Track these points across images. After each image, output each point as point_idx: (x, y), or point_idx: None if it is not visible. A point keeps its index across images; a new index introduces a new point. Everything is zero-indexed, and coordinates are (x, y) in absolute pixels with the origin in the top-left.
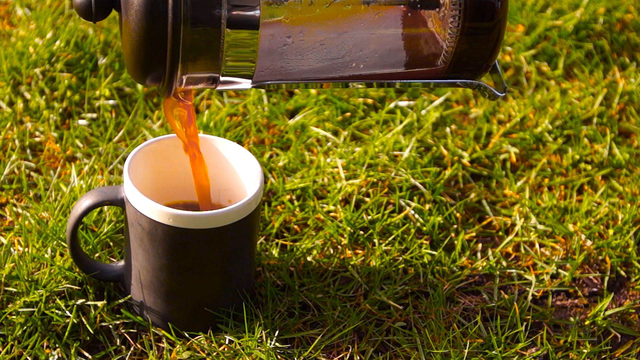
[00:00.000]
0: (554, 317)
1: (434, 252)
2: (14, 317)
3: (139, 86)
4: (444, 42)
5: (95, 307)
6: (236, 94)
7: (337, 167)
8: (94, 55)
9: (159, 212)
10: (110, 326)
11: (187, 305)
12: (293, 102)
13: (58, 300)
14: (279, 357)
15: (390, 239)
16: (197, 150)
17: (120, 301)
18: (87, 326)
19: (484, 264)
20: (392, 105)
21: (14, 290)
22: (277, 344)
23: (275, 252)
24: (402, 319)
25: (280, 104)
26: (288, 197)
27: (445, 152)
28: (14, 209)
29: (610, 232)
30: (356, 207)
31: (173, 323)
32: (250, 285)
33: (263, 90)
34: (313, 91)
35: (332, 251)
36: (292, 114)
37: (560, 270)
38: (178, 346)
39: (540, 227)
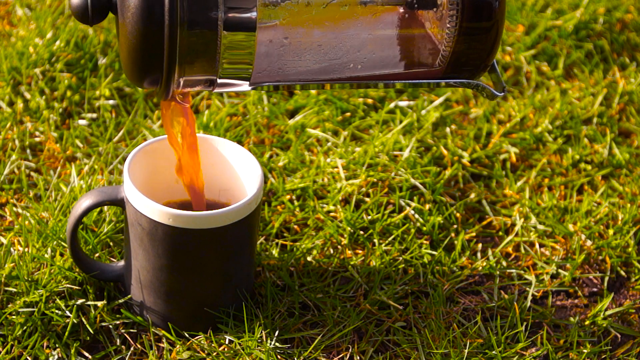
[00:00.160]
0: (554, 317)
1: (434, 252)
2: (14, 317)
3: None
4: (442, 42)
5: (95, 307)
6: (236, 94)
7: (337, 167)
8: (94, 55)
9: (159, 212)
10: (110, 326)
11: (187, 305)
12: (293, 102)
13: (58, 300)
14: (279, 357)
15: (390, 239)
16: (196, 152)
17: (120, 301)
18: (87, 326)
19: (484, 264)
20: (392, 105)
21: (14, 290)
22: (277, 344)
23: (275, 252)
24: (402, 319)
25: (280, 104)
26: (288, 197)
27: (445, 152)
28: (14, 209)
29: (610, 232)
30: (356, 207)
31: (173, 323)
32: (250, 285)
33: (263, 91)
34: (313, 91)
35: (332, 251)
36: (292, 114)
37: (560, 270)
38: (178, 346)
39: (540, 227)
